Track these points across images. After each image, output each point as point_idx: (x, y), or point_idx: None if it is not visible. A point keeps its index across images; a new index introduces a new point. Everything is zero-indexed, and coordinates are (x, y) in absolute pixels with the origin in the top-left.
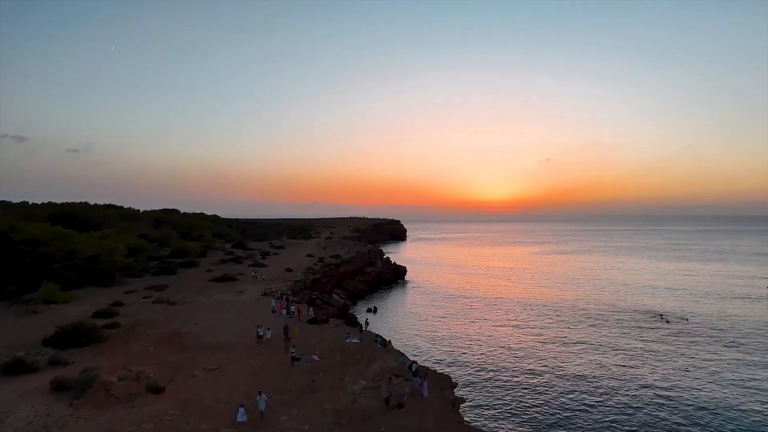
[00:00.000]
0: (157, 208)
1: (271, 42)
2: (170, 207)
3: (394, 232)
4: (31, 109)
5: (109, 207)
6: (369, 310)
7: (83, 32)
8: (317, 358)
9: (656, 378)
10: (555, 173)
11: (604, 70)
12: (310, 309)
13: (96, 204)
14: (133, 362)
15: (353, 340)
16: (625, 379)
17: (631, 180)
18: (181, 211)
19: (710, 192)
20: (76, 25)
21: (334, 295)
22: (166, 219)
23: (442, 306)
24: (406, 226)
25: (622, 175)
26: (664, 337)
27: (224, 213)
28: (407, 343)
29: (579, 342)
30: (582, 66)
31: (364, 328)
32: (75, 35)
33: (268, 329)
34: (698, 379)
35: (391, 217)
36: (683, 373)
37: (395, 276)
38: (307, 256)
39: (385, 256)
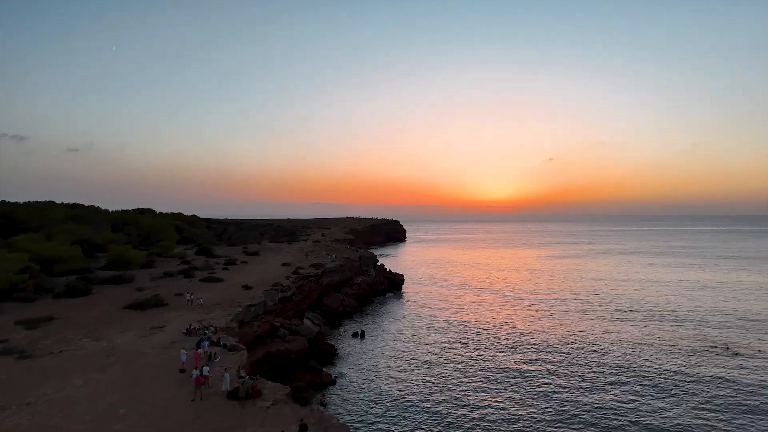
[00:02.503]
0: (157, 208)
1: (271, 42)
2: (171, 207)
3: (393, 233)
4: (31, 109)
5: (74, 206)
6: (355, 335)
7: (83, 32)
8: None
9: None
10: (558, 173)
11: (608, 69)
12: (228, 373)
13: (62, 203)
14: None
15: None
16: None
17: (635, 179)
18: (181, 211)
19: (716, 191)
20: (76, 25)
21: (306, 320)
22: (130, 220)
23: (445, 333)
24: (406, 226)
25: (626, 174)
26: (745, 384)
27: (224, 212)
28: (392, 414)
29: (637, 409)
30: (586, 64)
31: (320, 408)
32: (75, 35)
33: None
34: None
35: (390, 217)
36: None
37: (390, 286)
38: (283, 265)
39: (379, 263)
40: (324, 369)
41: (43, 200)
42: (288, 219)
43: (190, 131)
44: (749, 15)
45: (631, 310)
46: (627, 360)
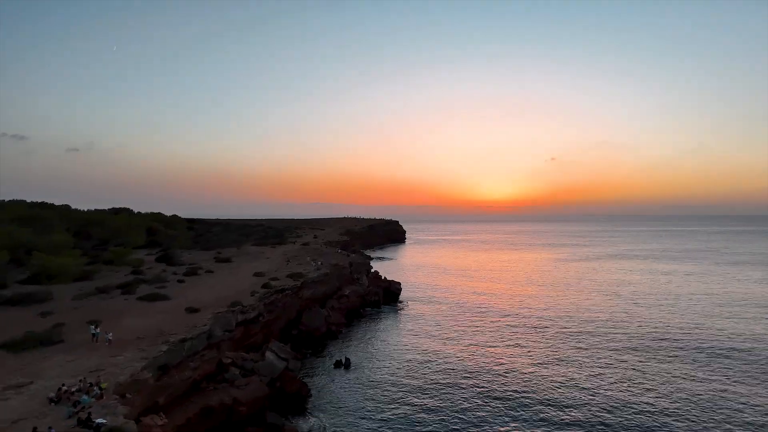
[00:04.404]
0: (157, 208)
1: (271, 42)
2: (172, 206)
3: (392, 233)
4: (31, 109)
5: (40, 205)
6: (338, 364)
7: (83, 32)
8: None
9: None
10: (560, 172)
11: (611, 68)
12: None
13: (32, 201)
14: None
15: None
16: None
17: (638, 180)
18: (182, 211)
19: (722, 191)
20: (76, 25)
21: (268, 353)
22: (97, 221)
23: (449, 362)
24: (406, 226)
25: (629, 174)
26: None
27: (224, 212)
28: None
29: None
30: (589, 63)
31: None
32: (75, 35)
33: None
34: None
35: (390, 218)
36: None
37: (386, 297)
38: (255, 275)
39: (373, 270)
40: (289, 421)
41: (41, 200)
42: (287, 219)
43: (191, 131)
44: (754, 13)
45: (667, 338)
46: (675, 417)
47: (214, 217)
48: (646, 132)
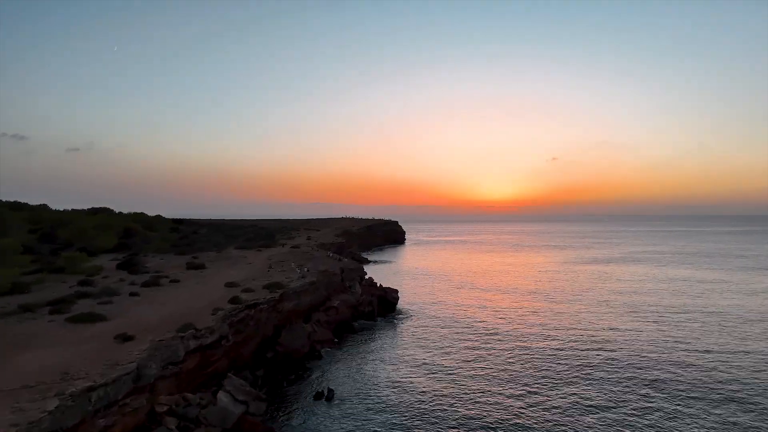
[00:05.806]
0: (157, 208)
1: (271, 41)
2: (171, 206)
3: (391, 234)
4: (31, 109)
5: (14, 205)
6: (318, 396)
7: (83, 32)
8: None
9: None
10: (561, 172)
11: (611, 68)
12: None
13: (6, 201)
14: None
15: None
16: None
17: (639, 179)
18: (181, 211)
19: (723, 191)
20: (76, 25)
21: (222, 394)
22: (68, 222)
23: (452, 389)
24: (406, 227)
25: (629, 174)
26: None
27: (224, 212)
28: None
29: None
30: (589, 63)
31: None
32: (75, 35)
33: None
34: None
35: (389, 218)
36: None
37: (381, 307)
38: (227, 285)
39: (367, 276)
40: None
41: (42, 201)
42: (285, 219)
43: (191, 131)
44: (754, 13)
45: (705, 368)
46: None
47: (215, 218)
48: (646, 132)
